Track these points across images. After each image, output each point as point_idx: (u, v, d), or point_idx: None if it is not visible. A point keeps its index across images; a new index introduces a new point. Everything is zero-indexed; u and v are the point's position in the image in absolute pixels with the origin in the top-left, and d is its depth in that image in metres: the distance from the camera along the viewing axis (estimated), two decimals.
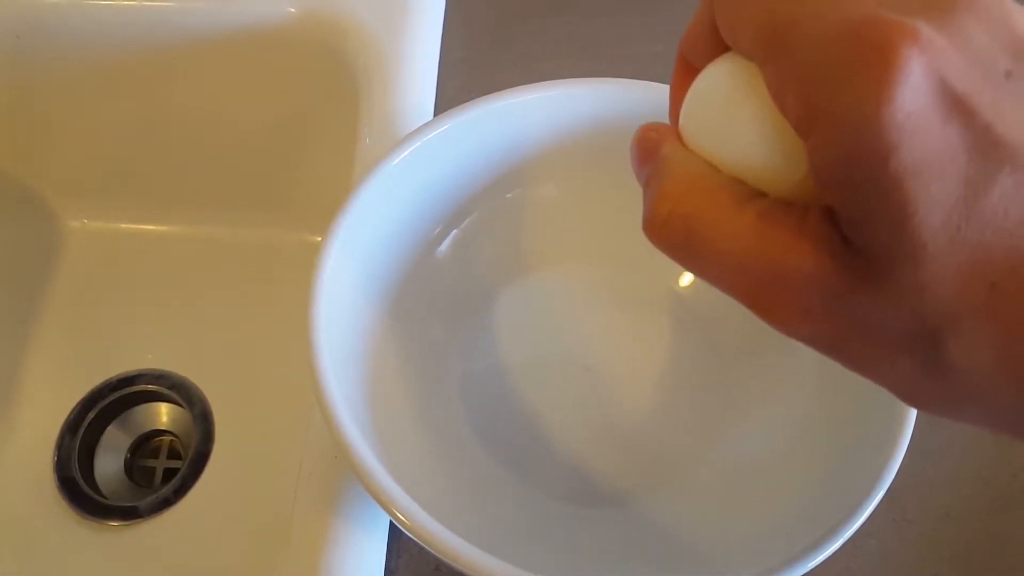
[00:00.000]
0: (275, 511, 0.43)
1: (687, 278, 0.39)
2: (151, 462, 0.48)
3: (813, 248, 0.16)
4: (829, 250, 0.16)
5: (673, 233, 0.18)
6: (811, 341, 0.17)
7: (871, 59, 0.14)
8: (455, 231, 0.38)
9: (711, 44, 0.19)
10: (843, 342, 0.17)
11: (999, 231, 0.14)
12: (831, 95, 0.15)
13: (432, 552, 0.26)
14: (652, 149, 0.19)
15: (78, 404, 0.47)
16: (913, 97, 0.14)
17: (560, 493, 0.34)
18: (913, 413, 0.29)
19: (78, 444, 0.46)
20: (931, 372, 0.16)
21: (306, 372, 0.29)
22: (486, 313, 0.38)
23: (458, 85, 0.45)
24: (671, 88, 0.21)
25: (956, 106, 0.14)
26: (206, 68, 0.46)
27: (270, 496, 0.44)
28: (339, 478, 0.32)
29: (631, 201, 0.22)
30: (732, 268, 0.17)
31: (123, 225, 0.54)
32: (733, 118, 0.18)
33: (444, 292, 0.37)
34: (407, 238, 0.36)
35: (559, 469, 0.35)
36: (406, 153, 0.33)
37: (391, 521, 0.33)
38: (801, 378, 0.34)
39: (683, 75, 0.20)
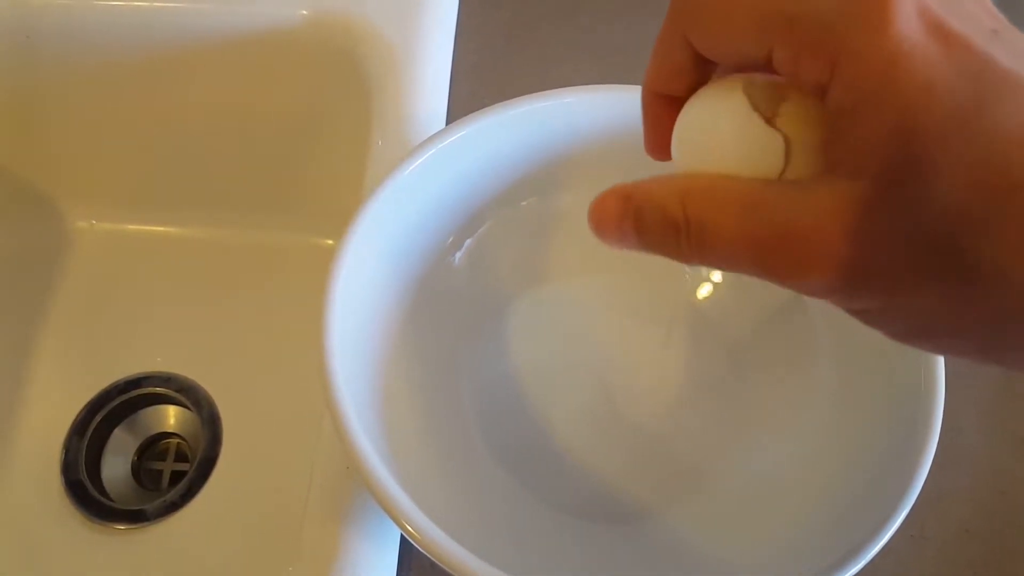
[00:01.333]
0: (283, 515, 0.43)
1: (704, 290, 0.38)
2: (158, 465, 0.48)
3: (822, 194, 0.17)
4: (840, 192, 0.17)
5: (690, 231, 0.19)
6: (828, 291, 0.18)
7: (871, 6, 0.16)
8: (469, 240, 0.37)
9: (688, 72, 0.21)
10: (866, 278, 0.17)
11: (1011, 141, 0.15)
12: (842, 42, 0.17)
13: (443, 567, 0.26)
14: (624, 200, 0.20)
15: (85, 406, 0.47)
16: (911, 27, 0.16)
17: (573, 509, 0.34)
18: (936, 430, 0.28)
19: (85, 447, 0.46)
20: (963, 293, 0.16)
21: (315, 376, 0.29)
22: (500, 323, 0.38)
23: (470, 89, 0.45)
24: (646, 124, 0.23)
25: (955, 41, 0.16)
26: (217, 70, 0.46)
27: (278, 500, 0.44)
28: (350, 490, 0.32)
29: None
30: (743, 236, 0.18)
31: (131, 226, 0.53)
32: (722, 127, 0.19)
33: (458, 301, 0.37)
34: (421, 246, 0.35)
35: (572, 484, 0.35)
36: (420, 161, 0.33)
37: (402, 534, 0.33)
38: (820, 391, 0.33)
39: (657, 107, 0.22)
